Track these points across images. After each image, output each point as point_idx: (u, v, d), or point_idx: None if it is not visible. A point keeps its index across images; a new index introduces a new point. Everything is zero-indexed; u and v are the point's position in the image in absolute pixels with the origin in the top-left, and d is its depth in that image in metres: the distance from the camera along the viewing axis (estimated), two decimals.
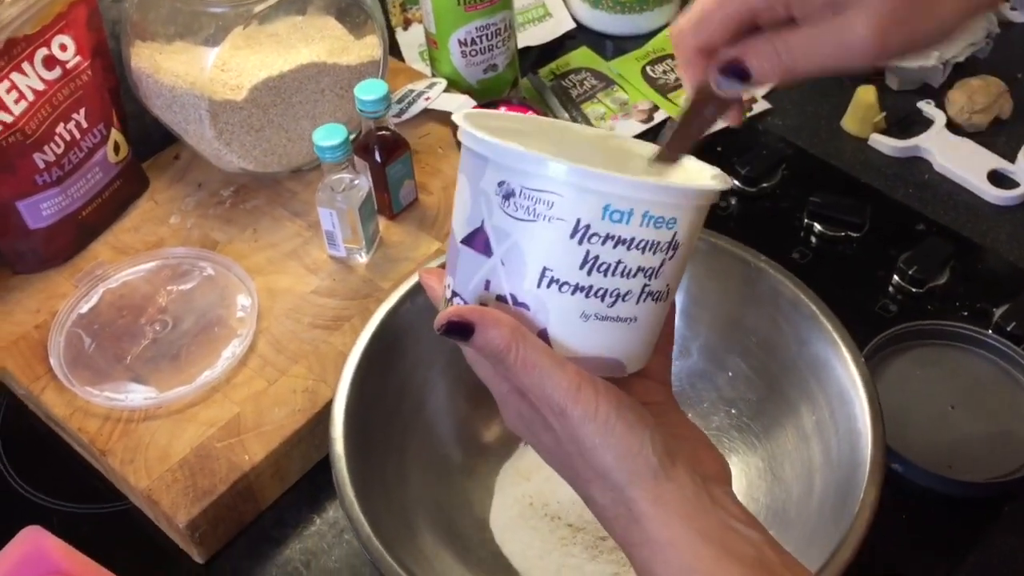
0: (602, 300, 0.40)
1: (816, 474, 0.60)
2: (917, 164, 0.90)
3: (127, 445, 0.66)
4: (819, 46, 0.39)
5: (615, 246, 0.39)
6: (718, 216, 0.86)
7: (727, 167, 0.88)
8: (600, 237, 0.38)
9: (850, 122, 0.93)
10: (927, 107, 0.92)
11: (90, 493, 0.69)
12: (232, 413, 0.67)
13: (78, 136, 0.75)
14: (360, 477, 0.57)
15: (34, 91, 0.71)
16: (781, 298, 0.64)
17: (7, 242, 0.75)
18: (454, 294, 0.43)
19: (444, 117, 0.88)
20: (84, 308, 0.74)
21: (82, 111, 0.74)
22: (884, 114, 0.91)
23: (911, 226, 0.83)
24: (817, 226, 0.83)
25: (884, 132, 0.91)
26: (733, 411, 0.68)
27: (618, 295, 0.40)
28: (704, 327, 0.69)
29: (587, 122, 0.93)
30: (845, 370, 0.60)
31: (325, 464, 0.58)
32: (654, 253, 0.40)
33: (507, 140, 0.41)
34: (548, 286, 0.39)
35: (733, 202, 0.87)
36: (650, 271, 0.40)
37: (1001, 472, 0.66)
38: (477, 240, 0.40)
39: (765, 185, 0.87)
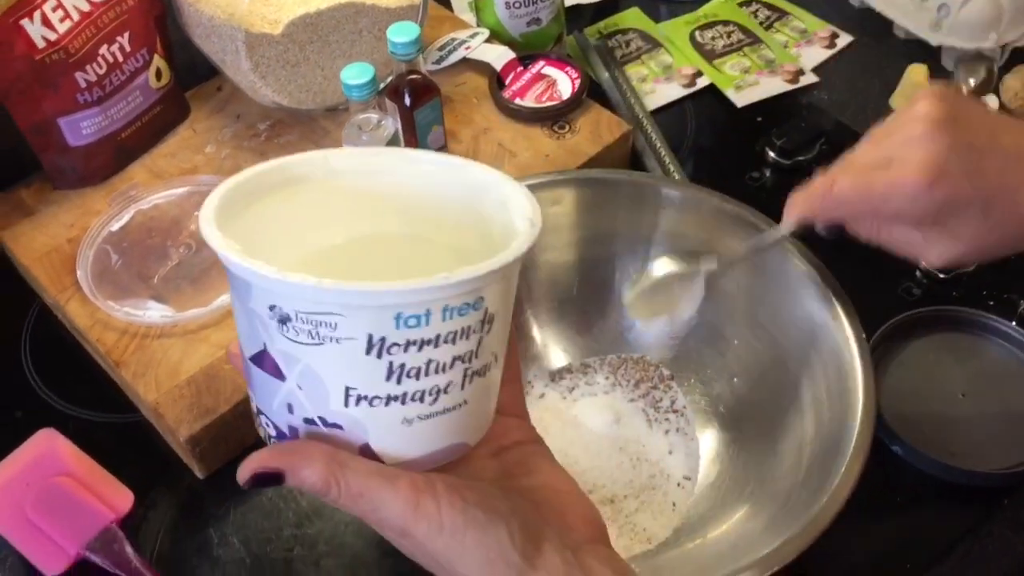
0: (422, 401, 0.36)
1: (807, 446, 0.60)
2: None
3: (140, 359, 0.68)
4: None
5: (420, 349, 0.35)
6: (748, 187, 0.85)
7: (764, 137, 0.87)
8: (400, 346, 0.35)
9: (899, 100, 0.90)
10: None
11: (106, 403, 0.72)
12: None
13: (121, 59, 0.77)
14: None
15: (80, 11, 0.73)
16: (791, 268, 0.64)
17: (48, 157, 0.78)
18: (259, 411, 0.39)
19: (482, 67, 0.88)
20: (115, 226, 0.77)
21: (126, 35, 0.76)
22: None
23: None
24: None
25: None
26: (735, 380, 0.68)
27: (438, 391, 0.37)
28: (712, 294, 0.68)
29: (628, 83, 0.92)
30: (846, 345, 0.59)
31: None
32: (467, 338, 0.36)
33: (282, 201, 0.39)
34: (357, 403, 0.36)
35: (767, 173, 0.86)
36: (468, 355, 0.36)
37: (1005, 464, 0.65)
38: (265, 362, 0.37)
39: (801, 158, 0.86)
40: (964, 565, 0.62)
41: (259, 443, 0.69)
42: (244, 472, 0.37)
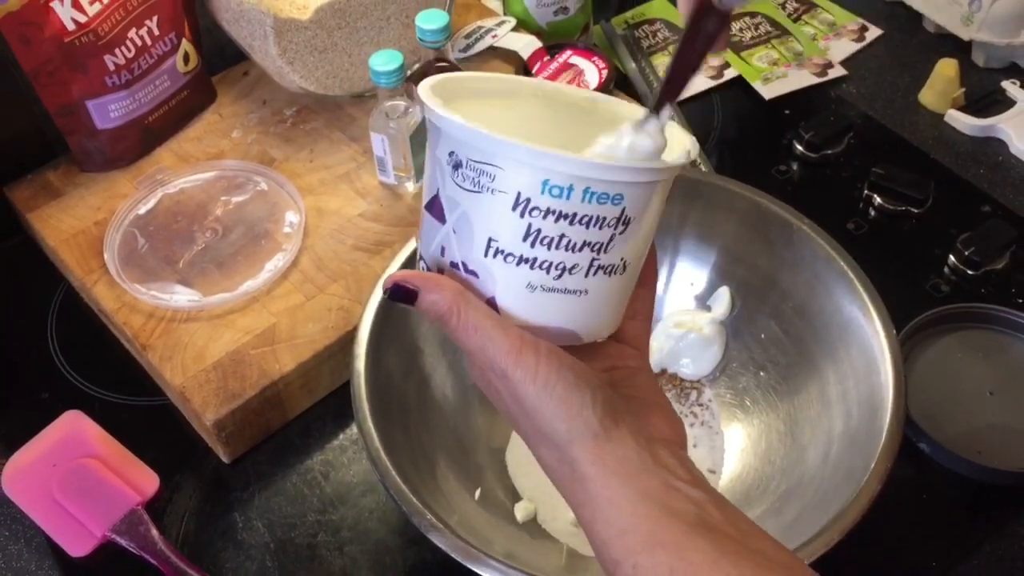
0: (547, 272, 0.40)
1: (834, 442, 0.59)
2: (992, 145, 0.86)
3: (167, 343, 0.68)
4: None
5: (556, 220, 0.39)
6: (775, 180, 0.84)
7: (792, 131, 0.86)
8: (541, 211, 0.38)
9: (928, 95, 0.90)
10: (1011, 87, 0.88)
11: (132, 385, 0.72)
12: (268, 323, 0.69)
13: (149, 43, 0.77)
14: (380, 398, 0.58)
15: None
16: (820, 262, 0.63)
17: (75, 140, 0.78)
18: (420, 257, 0.44)
19: (509, 56, 0.88)
20: (142, 210, 0.77)
21: (154, 19, 0.76)
22: (964, 90, 0.88)
23: (975, 207, 0.81)
24: (877, 198, 0.81)
25: (962, 109, 0.88)
26: (761, 373, 0.67)
27: (564, 268, 0.40)
28: (740, 286, 0.68)
29: (655, 74, 0.92)
30: (876, 340, 0.59)
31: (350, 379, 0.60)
32: (600, 228, 0.39)
33: (488, 104, 0.43)
34: (494, 256, 0.40)
35: (794, 167, 0.85)
36: (598, 245, 0.40)
37: None
38: (435, 207, 0.41)
39: (828, 152, 0.85)
40: (990, 563, 0.62)
41: (284, 430, 0.69)
42: (387, 282, 0.41)
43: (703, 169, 0.83)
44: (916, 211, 0.80)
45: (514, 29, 0.89)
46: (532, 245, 0.39)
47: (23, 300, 0.79)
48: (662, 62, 0.94)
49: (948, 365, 0.70)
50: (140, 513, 0.64)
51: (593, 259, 0.40)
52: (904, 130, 0.88)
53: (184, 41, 0.80)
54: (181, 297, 0.71)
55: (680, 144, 0.43)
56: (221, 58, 0.88)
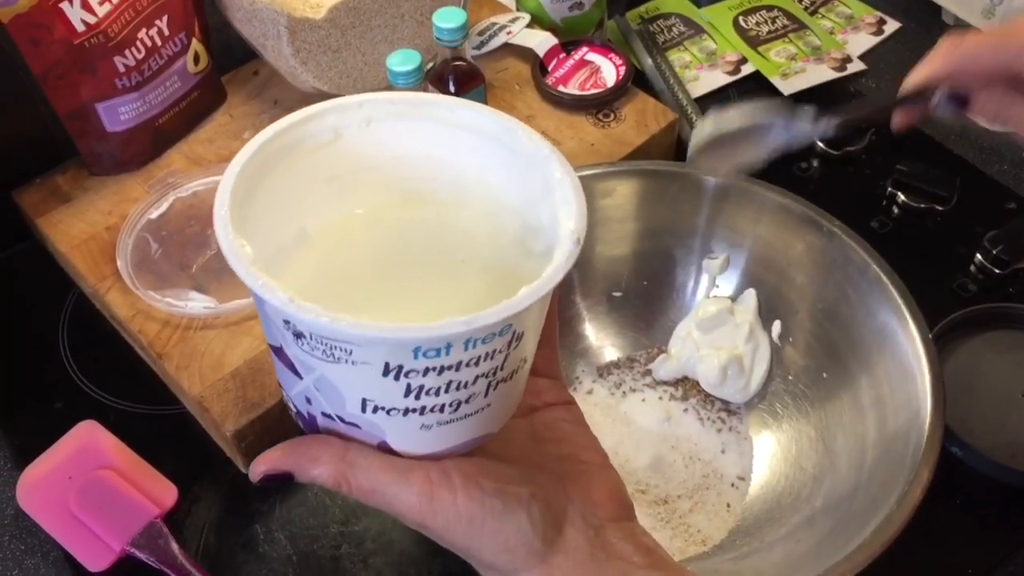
0: (442, 412, 0.35)
1: (869, 449, 0.58)
2: (1015, 140, 0.85)
3: (183, 351, 0.67)
4: None
5: (440, 374, 0.33)
6: (796, 178, 0.83)
7: None
8: (418, 372, 0.33)
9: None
10: None
11: (147, 394, 0.71)
12: None
13: (159, 43, 0.75)
14: None
15: None
16: (851, 266, 0.62)
17: (85, 143, 0.76)
18: (286, 390, 0.38)
19: (524, 53, 0.86)
20: (154, 214, 0.75)
21: (164, 18, 0.75)
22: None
23: (1001, 204, 0.80)
24: (901, 196, 0.80)
25: None
26: (790, 377, 0.66)
27: (459, 403, 0.35)
28: (769, 290, 0.67)
29: (671, 70, 0.90)
30: (911, 346, 0.58)
31: None
32: (492, 359, 0.34)
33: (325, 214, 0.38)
34: (375, 412, 0.35)
35: (815, 164, 0.84)
36: (492, 371, 0.35)
37: None
38: (283, 358, 0.36)
39: (850, 149, 0.84)
40: None
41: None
42: (255, 472, 0.37)
43: None
44: (941, 209, 0.79)
45: (528, 25, 0.88)
46: (417, 398, 0.34)
47: (33, 307, 0.77)
48: (678, 58, 0.93)
49: (978, 367, 0.69)
50: (159, 526, 0.62)
51: (489, 382, 0.35)
52: (926, 125, 0.86)
53: (194, 41, 0.78)
54: (197, 304, 0.69)
55: (563, 227, 0.35)
56: (229, 58, 0.87)
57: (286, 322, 0.33)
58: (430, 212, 0.41)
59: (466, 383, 0.34)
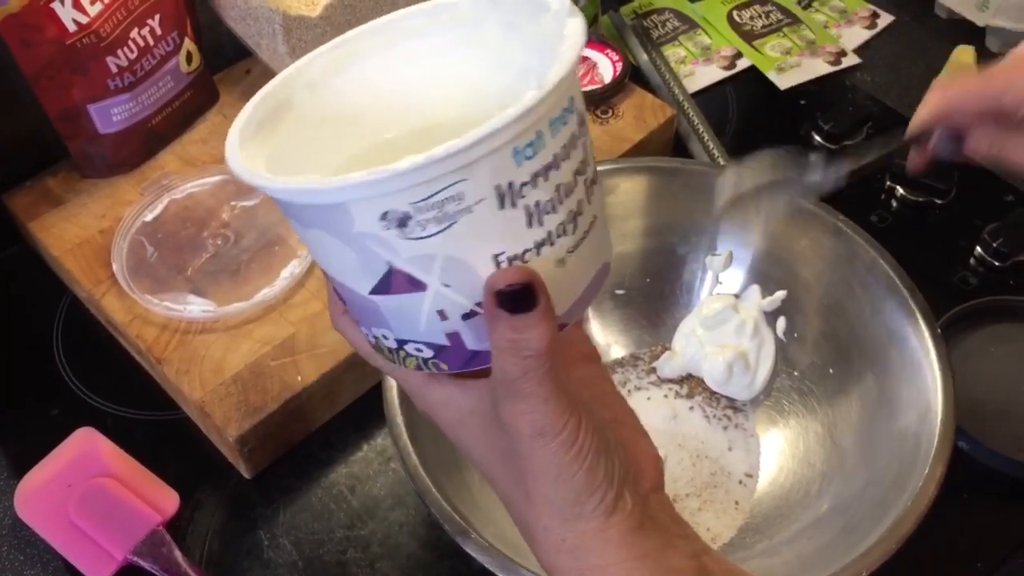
0: (566, 234, 0.34)
1: (879, 445, 0.58)
2: (1012, 172, 0.85)
3: (183, 356, 0.66)
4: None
5: (546, 178, 0.32)
6: None
7: (809, 121, 0.85)
8: (529, 184, 0.32)
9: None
10: None
11: (145, 399, 0.70)
12: (287, 333, 0.67)
13: (151, 43, 0.74)
14: (409, 407, 0.56)
15: None
16: (858, 261, 0.62)
17: (77, 145, 0.75)
18: (401, 343, 0.36)
19: None
20: (149, 216, 0.74)
21: (156, 17, 0.74)
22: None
23: (1000, 196, 0.80)
24: (900, 190, 0.80)
25: None
26: (796, 373, 0.66)
27: (574, 216, 0.34)
28: (775, 286, 0.66)
29: (667, 65, 0.90)
30: (920, 342, 0.57)
31: (376, 392, 0.58)
32: (575, 147, 0.33)
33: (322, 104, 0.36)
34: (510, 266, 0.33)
35: (812, 158, 0.84)
36: (581, 165, 0.34)
37: None
38: (395, 284, 0.33)
39: (848, 143, 0.84)
40: None
41: (306, 442, 0.67)
42: (509, 278, 0.33)
43: (721, 163, 0.81)
44: (940, 202, 0.79)
45: None
46: (540, 223, 0.32)
47: (26, 312, 0.76)
48: (673, 53, 0.93)
49: (982, 361, 0.69)
50: (162, 533, 0.61)
51: (585, 180, 0.34)
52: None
53: (186, 40, 0.77)
54: (195, 307, 0.68)
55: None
56: (221, 56, 0.85)
57: (383, 217, 0.31)
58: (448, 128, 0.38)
59: (570, 186, 0.33)
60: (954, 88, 0.52)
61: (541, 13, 0.35)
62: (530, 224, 0.32)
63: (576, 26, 0.33)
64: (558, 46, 0.32)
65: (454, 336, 0.35)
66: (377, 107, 0.39)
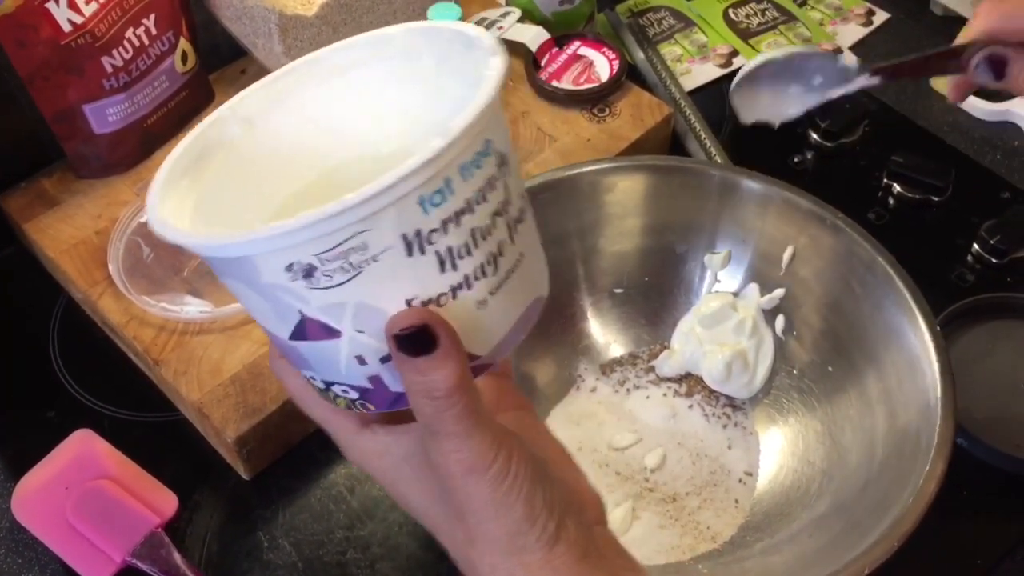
0: (485, 276, 0.33)
1: (879, 442, 0.58)
2: (1008, 130, 0.85)
3: (180, 357, 0.66)
4: None
5: (458, 224, 0.32)
6: (791, 170, 0.83)
7: (806, 119, 0.85)
8: (438, 231, 0.31)
9: (941, 81, 0.88)
10: None
11: (142, 401, 0.69)
12: None
13: (147, 42, 0.73)
14: None
15: None
16: (856, 260, 0.62)
17: (72, 145, 0.74)
18: (328, 385, 0.36)
19: (516, 48, 0.85)
20: (145, 217, 0.74)
21: (152, 17, 0.73)
22: None
23: (996, 194, 0.80)
24: (897, 187, 0.80)
25: (976, 94, 0.87)
26: (795, 371, 0.66)
27: (494, 257, 0.33)
28: (773, 285, 0.66)
29: (663, 63, 0.90)
30: (919, 339, 0.57)
31: None
32: (495, 188, 0.33)
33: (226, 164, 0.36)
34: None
35: (809, 156, 0.84)
36: (502, 205, 0.33)
37: None
38: (309, 331, 0.33)
39: (844, 141, 0.84)
40: None
41: (305, 443, 0.67)
42: (401, 321, 0.33)
43: (718, 161, 0.81)
44: (936, 199, 0.79)
45: (519, 20, 0.87)
46: (454, 267, 0.32)
47: (21, 314, 0.75)
48: (669, 51, 0.93)
49: (980, 357, 0.69)
50: (160, 535, 0.61)
51: (507, 221, 0.34)
52: (919, 117, 0.86)
53: (182, 39, 0.77)
54: (192, 308, 0.68)
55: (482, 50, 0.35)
56: (216, 56, 0.85)
57: (289, 268, 0.31)
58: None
59: (487, 229, 0.33)
60: (1004, 5, 0.49)
61: (471, 50, 0.36)
62: (443, 269, 0.32)
63: (496, 67, 0.33)
64: (478, 86, 0.32)
65: (375, 379, 0.35)
66: (317, 141, 0.40)
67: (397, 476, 0.38)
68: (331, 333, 0.33)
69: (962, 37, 0.51)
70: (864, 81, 0.54)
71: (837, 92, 0.55)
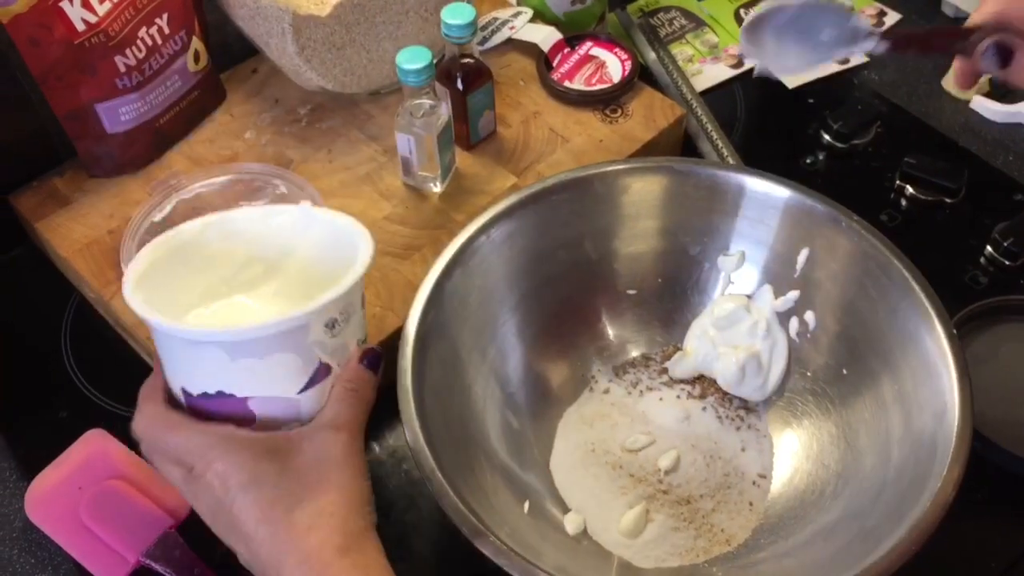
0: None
1: (894, 446, 0.58)
2: (1021, 132, 0.85)
3: None
4: None
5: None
6: (803, 171, 0.83)
7: (817, 120, 0.85)
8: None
9: (952, 82, 0.88)
10: None
11: None
12: None
13: (159, 42, 0.73)
14: (424, 409, 0.56)
15: None
16: (871, 262, 0.62)
17: (84, 145, 0.74)
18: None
19: (528, 48, 0.85)
20: (157, 216, 0.74)
21: (164, 16, 0.73)
22: (989, 76, 0.87)
23: (1009, 196, 0.80)
24: (909, 189, 0.80)
25: (987, 95, 0.86)
26: (809, 374, 0.66)
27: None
28: (787, 287, 0.66)
29: (674, 64, 0.90)
30: (935, 342, 0.57)
31: (385, 394, 0.57)
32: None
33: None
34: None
35: (821, 157, 0.84)
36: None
37: None
38: (319, 375, 0.52)
39: (857, 142, 0.84)
40: None
41: None
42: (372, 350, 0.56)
43: (731, 162, 0.81)
44: (950, 201, 0.79)
45: (531, 20, 0.87)
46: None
47: (34, 313, 0.75)
48: (680, 51, 0.92)
49: (994, 360, 0.69)
50: (174, 536, 0.61)
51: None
52: (930, 118, 0.86)
53: (194, 39, 0.77)
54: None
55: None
56: (227, 55, 0.85)
57: (328, 324, 0.52)
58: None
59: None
60: None
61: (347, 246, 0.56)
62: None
63: (351, 277, 0.52)
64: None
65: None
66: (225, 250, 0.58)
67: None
68: (329, 371, 0.52)
69: (972, 20, 0.51)
70: (871, 45, 0.55)
71: (842, 52, 0.56)
